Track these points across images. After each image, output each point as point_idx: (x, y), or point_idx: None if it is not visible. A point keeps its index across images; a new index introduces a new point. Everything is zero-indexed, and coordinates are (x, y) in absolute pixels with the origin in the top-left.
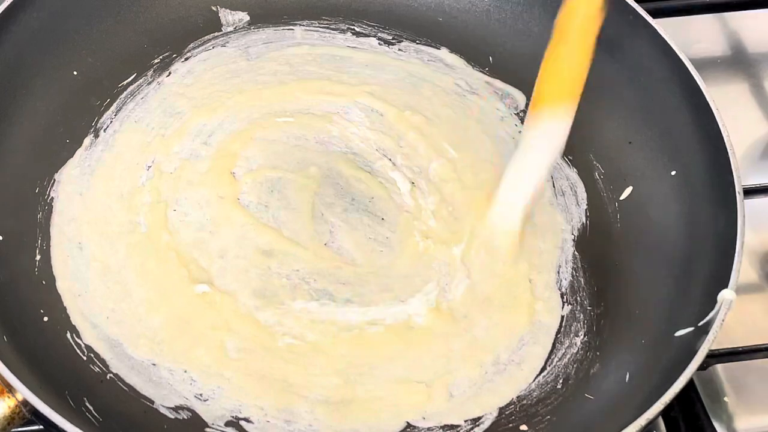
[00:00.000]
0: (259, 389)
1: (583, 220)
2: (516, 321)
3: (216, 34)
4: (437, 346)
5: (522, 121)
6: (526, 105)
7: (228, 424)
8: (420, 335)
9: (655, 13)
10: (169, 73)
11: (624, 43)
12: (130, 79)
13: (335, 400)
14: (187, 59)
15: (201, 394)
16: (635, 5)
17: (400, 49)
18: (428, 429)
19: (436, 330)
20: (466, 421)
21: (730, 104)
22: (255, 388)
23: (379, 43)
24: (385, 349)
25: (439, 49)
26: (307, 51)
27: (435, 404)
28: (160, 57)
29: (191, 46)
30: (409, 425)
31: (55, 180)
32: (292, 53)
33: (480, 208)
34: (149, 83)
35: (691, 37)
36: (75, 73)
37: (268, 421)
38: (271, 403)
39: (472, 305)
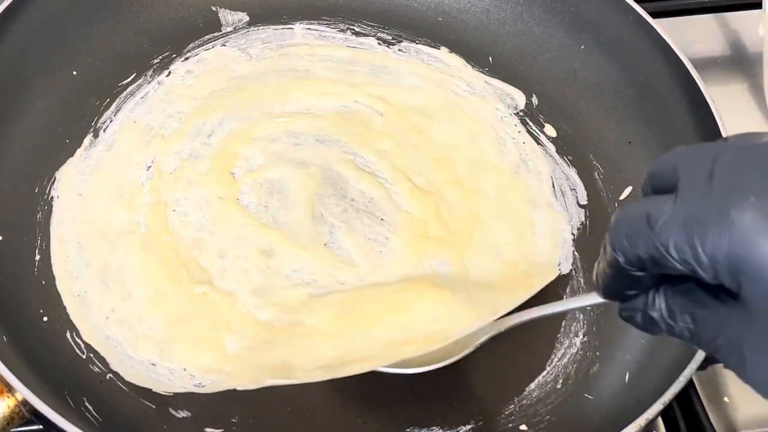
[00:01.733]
0: (257, 373)
1: (583, 219)
2: (515, 296)
3: (216, 34)
4: (437, 311)
5: (521, 120)
6: (526, 105)
7: (228, 408)
8: (419, 305)
9: (655, 13)
10: (169, 72)
11: (624, 43)
12: (129, 78)
13: (333, 365)
14: (186, 59)
15: (200, 383)
16: (635, 5)
17: (400, 50)
18: (427, 425)
19: (435, 298)
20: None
21: (730, 104)
22: (254, 374)
23: (378, 43)
24: (383, 322)
25: (438, 49)
26: (307, 51)
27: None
28: (160, 57)
29: (191, 45)
30: (407, 422)
31: (54, 180)
32: (291, 53)
33: (479, 208)
34: (149, 82)
35: (691, 37)
36: (75, 73)
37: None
38: (269, 379)
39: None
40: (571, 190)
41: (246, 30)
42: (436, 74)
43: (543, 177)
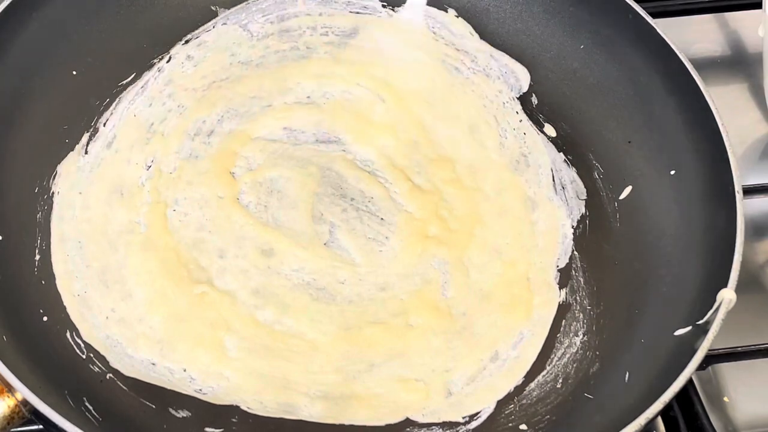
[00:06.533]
0: (258, 386)
1: (583, 211)
2: (514, 318)
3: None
4: (436, 345)
5: (522, 106)
6: (530, 86)
7: (229, 409)
8: (419, 334)
9: (655, 13)
10: (170, 57)
11: (624, 43)
12: (129, 78)
13: (334, 396)
14: (187, 42)
15: (200, 389)
16: (635, 5)
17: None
18: (427, 425)
19: (435, 328)
20: (464, 417)
21: (730, 104)
22: (254, 386)
23: (383, 6)
24: (384, 348)
25: (446, 11)
26: (309, 23)
27: (433, 402)
28: (160, 57)
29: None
30: (408, 420)
31: (54, 179)
32: (292, 27)
33: (479, 207)
34: (149, 70)
35: (691, 37)
36: (74, 73)
37: (268, 411)
38: (271, 398)
39: (471, 303)
40: (571, 182)
41: (245, 3)
42: (441, 47)
43: (543, 171)
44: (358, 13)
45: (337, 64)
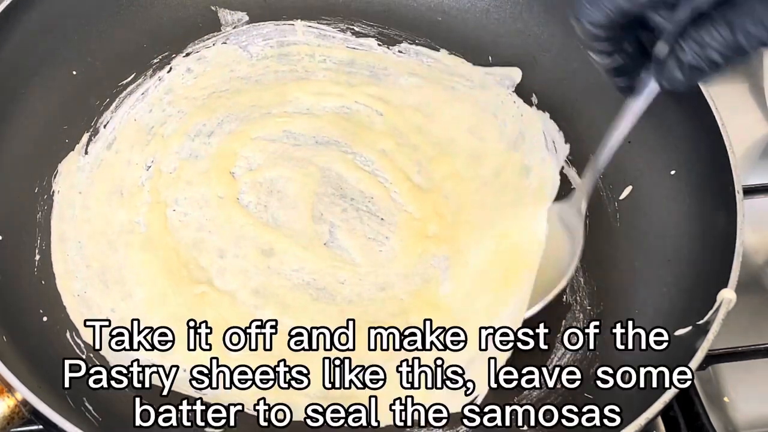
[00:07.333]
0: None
1: (567, 152)
2: (508, 291)
3: (216, 33)
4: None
5: (518, 94)
6: (530, 86)
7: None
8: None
9: None
10: (170, 68)
11: None
12: (129, 78)
13: (335, 396)
14: (187, 55)
15: (200, 389)
16: None
17: (400, 51)
18: (427, 425)
19: (434, 326)
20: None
21: (730, 104)
22: (254, 387)
23: (378, 44)
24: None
25: (438, 51)
26: (307, 51)
27: (432, 394)
28: (160, 57)
29: (191, 45)
30: (408, 420)
31: (54, 179)
32: (291, 52)
33: (478, 195)
34: (150, 77)
35: None
36: (74, 72)
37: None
38: (271, 399)
39: (469, 293)
40: (557, 131)
41: (246, 26)
42: (436, 73)
43: (537, 139)
44: (355, 48)
45: (335, 85)
